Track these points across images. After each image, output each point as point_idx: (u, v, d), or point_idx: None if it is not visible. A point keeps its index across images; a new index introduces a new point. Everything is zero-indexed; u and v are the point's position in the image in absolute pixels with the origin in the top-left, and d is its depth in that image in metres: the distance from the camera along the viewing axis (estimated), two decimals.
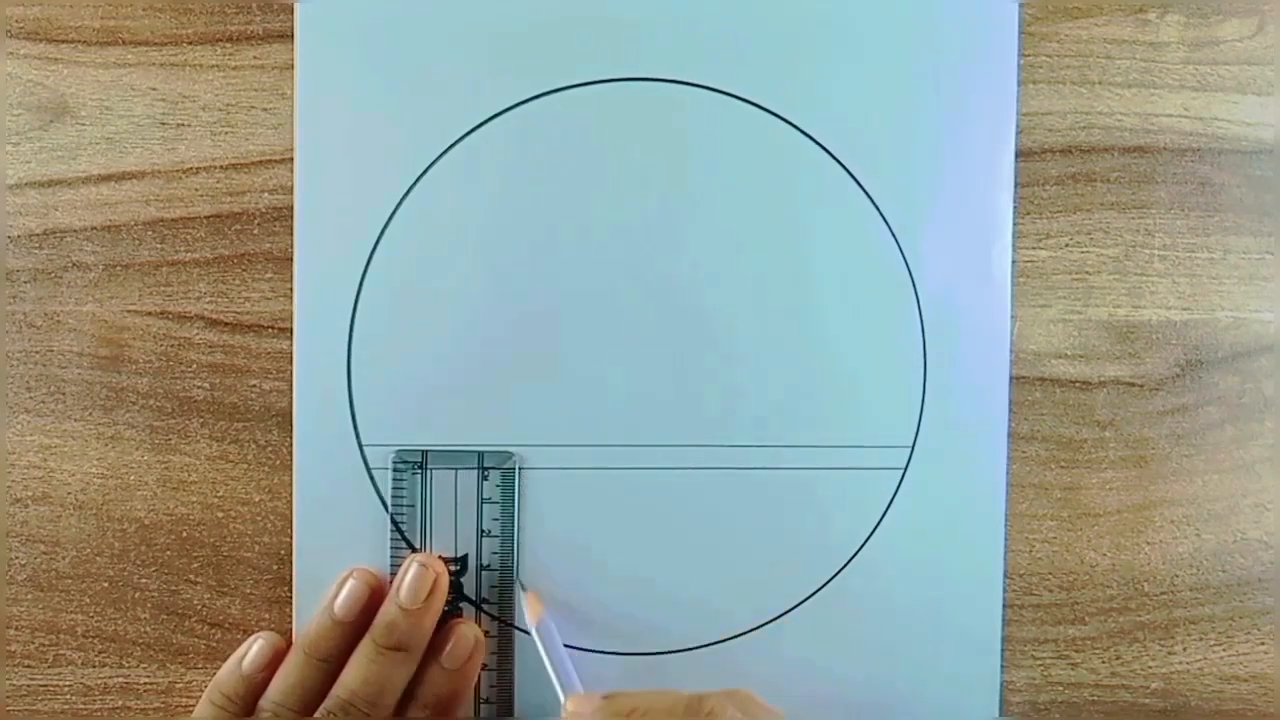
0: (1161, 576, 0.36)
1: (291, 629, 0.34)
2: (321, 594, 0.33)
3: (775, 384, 0.35)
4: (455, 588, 0.34)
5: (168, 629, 0.35)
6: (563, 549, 0.35)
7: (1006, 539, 0.35)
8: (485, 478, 0.34)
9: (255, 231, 0.35)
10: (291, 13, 0.34)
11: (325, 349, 0.34)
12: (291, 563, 0.34)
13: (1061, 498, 0.36)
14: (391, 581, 0.33)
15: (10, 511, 0.35)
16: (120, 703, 0.35)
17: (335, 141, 0.34)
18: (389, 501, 0.34)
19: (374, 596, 0.33)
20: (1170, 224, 0.36)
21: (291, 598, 0.34)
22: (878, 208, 0.35)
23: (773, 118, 0.35)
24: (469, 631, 0.33)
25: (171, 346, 0.35)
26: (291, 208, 0.34)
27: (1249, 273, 0.36)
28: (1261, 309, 0.36)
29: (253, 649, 0.33)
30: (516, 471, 0.35)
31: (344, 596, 0.33)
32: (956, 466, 0.35)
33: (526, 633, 0.34)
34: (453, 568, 0.34)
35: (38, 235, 0.35)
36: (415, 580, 0.33)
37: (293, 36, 0.34)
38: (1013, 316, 0.36)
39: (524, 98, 0.34)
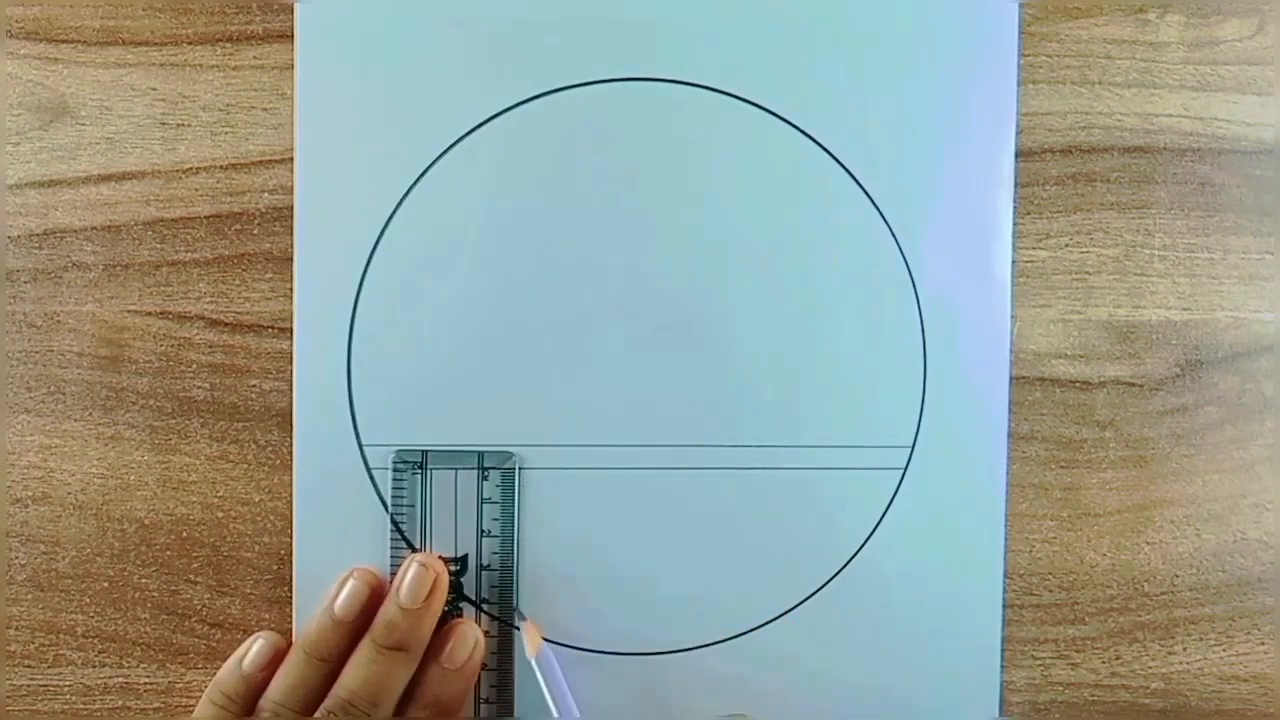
0: (1161, 576, 0.36)
1: (291, 629, 0.34)
2: (321, 594, 0.33)
3: (775, 384, 0.35)
4: (455, 588, 0.34)
5: (168, 629, 0.35)
6: (563, 549, 0.35)
7: (1006, 539, 0.35)
8: (485, 478, 0.34)
9: (255, 231, 0.35)
10: (291, 13, 0.34)
11: (325, 349, 0.34)
12: (291, 563, 0.34)
13: (1061, 498, 0.36)
14: (391, 581, 0.33)
15: (10, 511, 0.35)
16: (120, 703, 0.35)
17: (335, 141, 0.34)
18: (389, 501, 0.34)
19: (374, 596, 0.33)
20: (1170, 224, 0.36)
21: (291, 598, 0.34)
22: (878, 208, 0.35)
23: (773, 118, 0.35)
24: (469, 631, 0.33)
25: (171, 346, 0.35)
26: (291, 208, 0.34)
27: (1249, 273, 0.36)
28: (1261, 309, 0.36)
29: (253, 649, 0.33)
30: (516, 471, 0.35)
31: (344, 596, 0.33)
32: (956, 466, 0.35)
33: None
34: (453, 568, 0.34)
35: (38, 235, 0.35)
36: (415, 580, 0.33)
37: (293, 36, 0.34)
38: (1013, 316, 0.36)
39: (524, 98, 0.34)
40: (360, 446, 0.34)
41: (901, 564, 0.35)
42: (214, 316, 0.35)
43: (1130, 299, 0.36)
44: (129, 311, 0.35)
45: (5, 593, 0.35)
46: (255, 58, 0.35)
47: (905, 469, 0.35)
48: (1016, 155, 0.35)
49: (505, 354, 0.34)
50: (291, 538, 0.34)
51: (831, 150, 0.35)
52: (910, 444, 0.35)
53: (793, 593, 0.35)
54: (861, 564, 0.35)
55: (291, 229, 0.34)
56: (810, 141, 0.35)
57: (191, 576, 0.35)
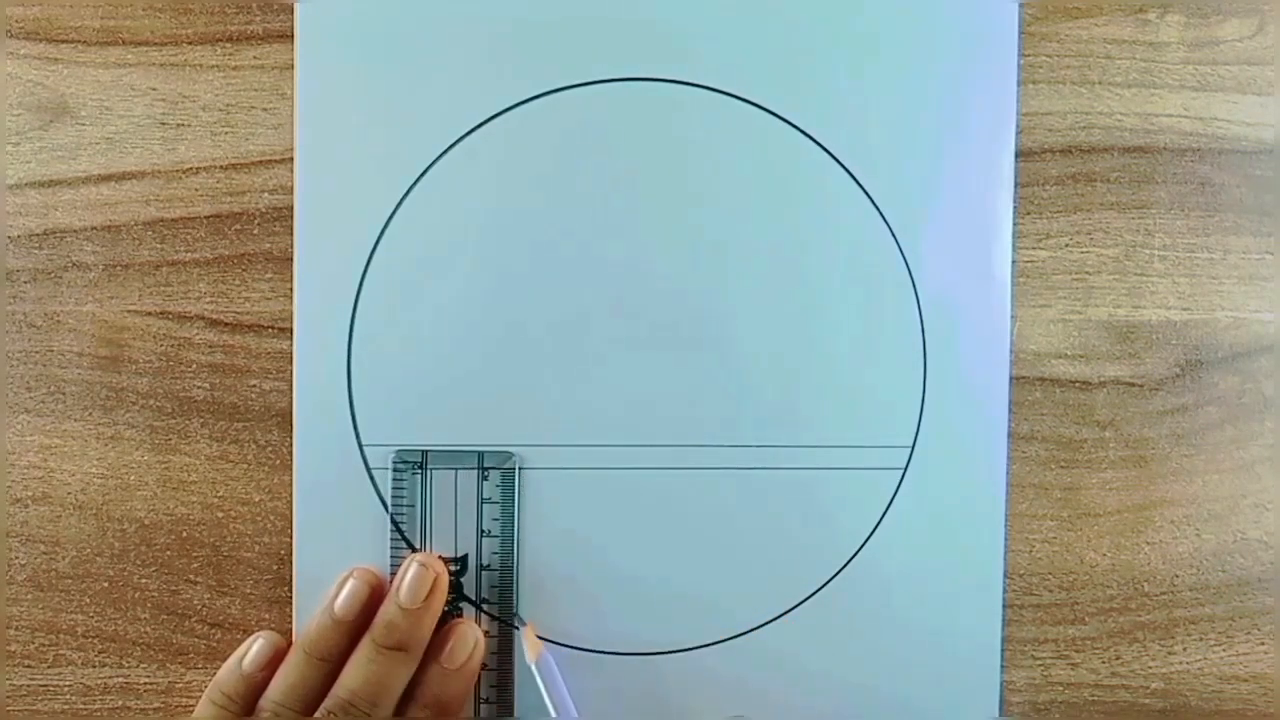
0: (1161, 576, 0.36)
1: (291, 629, 0.34)
2: (321, 594, 0.33)
3: (775, 384, 0.35)
4: (455, 588, 0.34)
5: (168, 629, 0.35)
6: (563, 549, 0.35)
7: (1006, 539, 0.35)
8: (485, 478, 0.34)
9: (255, 231, 0.35)
10: (291, 13, 0.34)
11: (325, 349, 0.34)
12: (291, 563, 0.34)
13: (1061, 498, 0.36)
14: (391, 581, 0.33)
15: (10, 511, 0.35)
16: (120, 703, 0.35)
17: (335, 141, 0.34)
18: (389, 501, 0.34)
19: (374, 596, 0.33)
20: (1170, 224, 0.36)
21: (291, 598, 0.34)
22: (878, 208, 0.35)
23: (773, 118, 0.35)
24: (469, 631, 0.33)
25: (171, 346, 0.35)
26: (291, 208, 0.34)
27: (1249, 273, 0.36)
28: (1261, 309, 0.36)
29: (253, 649, 0.33)
30: (516, 471, 0.35)
31: (344, 596, 0.33)
32: (956, 466, 0.35)
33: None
34: (453, 568, 0.34)
35: (38, 235, 0.35)
36: (415, 580, 0.33)
37: (293, 36, 0.34)
38: (1013, 316, 0.36)
39: (524, 98, 0.34)
40: (360, 446, 0.34)
41: (901, 564, 0.35)
42: (214, 316, 0.35)
43: (1130, 299, 0.36)
44: (129, 311, 0.35)
45: (5, 593, 0.35)
46: (255, 58, 0.35)
47: (905, 469, 0.35)
48: (1016, 155, 0.35)
49: (505, 354, 0.34)
50: (291, 538, 0.34)
51: (831, 150, 0.35)
52: (910, 444, 0.35)
53: (793, 593, 0.35)
54: (861, 564, 0.35)
55: (291, 229, 0.34)
56: (810, 141, 0.35)
57: (191, 576, 0.35)
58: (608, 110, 0.35)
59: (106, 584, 0.35)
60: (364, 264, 0.34)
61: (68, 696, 0.35)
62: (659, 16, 0.35)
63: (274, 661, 0.32)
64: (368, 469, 0.34)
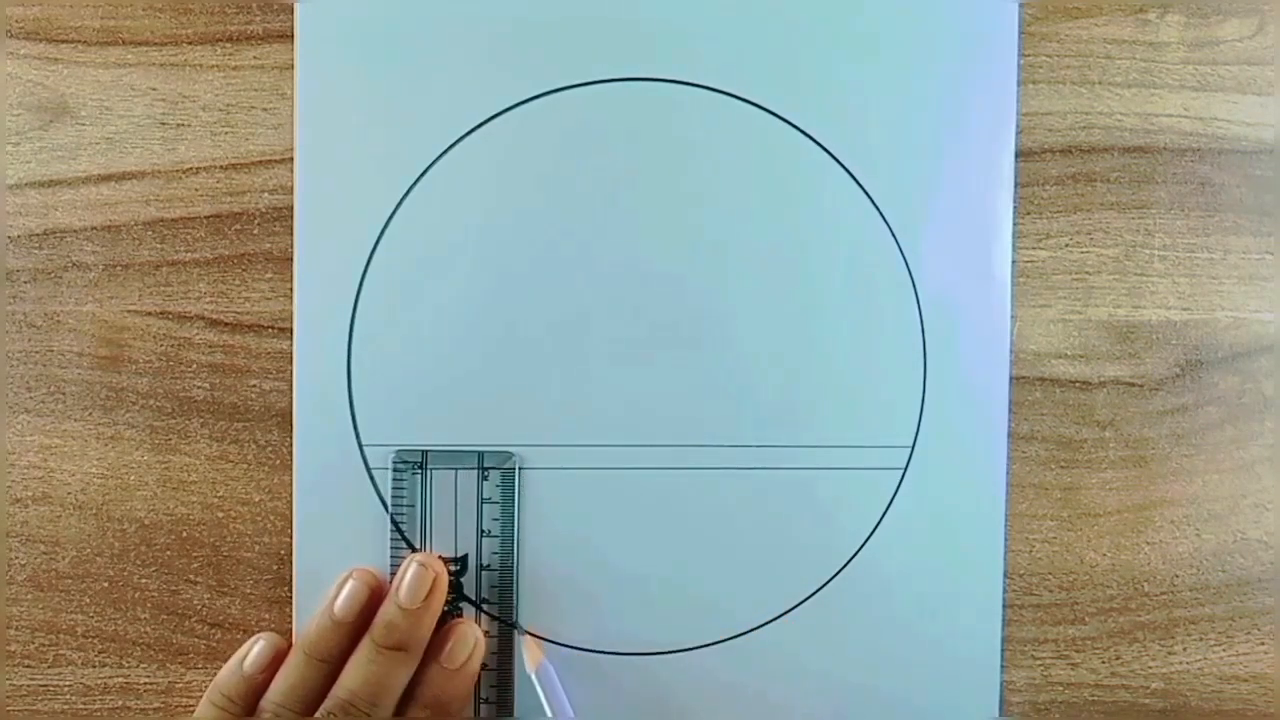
0: (1161, 576, 0.36)
1: (291, 629, 0.34)
2: (321, 594, 0.33)
3: (775, 384, 0.35)
4: (455, 588, 0.34)
5: (168, 629, 0.35)
6: (563, 549, 0.35)
7: (1006, 539, 0.35)
8: (485, 478, 0.34)
9: (255, 231, 0.35)
10: (291, 13, 0.34)
11: (325, 349, 0.34)
12: (291, 563, 0.34)
13: (1061, 498, 0.36)
14: (391, 581, 0.33)
15: (10, 511, 0.35)
16: (120, 703, 0.35)
17: (335, 141, 0.34)
18: (389, 501, 0.34)
19: (374, 597, 0.33)
20: (1170, 224, 0.36)
21: (291, 598, 0.34)
22: (878, 208, 0.35)
23: (773, 118, 0.35)
24: (469, 632, 0.33)
25: (171, 346, 0.35)
26: (291, 208, 0.34)
27: (1249, 273, 0.36)
28: (1261, 309, 0.36)
29: (254, 650, 0.33)
30: (516, 471, 0.35)
31: (344, 597, 0.33)
32: (956, 466, 0.35)
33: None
34: (453, 568, 0.34)
35: (38, 235, 0.35)
36: (415, 580, 0.33)
37: (293, 36, 0.34)
38: (1013, 316, 0.36)
39: (524, 98, 0.34)
40: (360, 446, 0.34)
41: (901, 564, 0.35)
42: (214, 316, 0.35)
43: (1130, 299, 0.36)
44: (129, 311, 0.35)
45: (5, 593, 0.35)
46: (255, 58, 0.35)
47: (905, 469, 0.35)
48: (1016, 155, 0.35)
49: (505, 354, 0.34)
50: (291, 538, 0.34)
51: (831, 150, 0.35)
52: (910, 444, 0.35)
53: (793, 593, 0.35)
54: (861, 564, 0.35)
55: (291, 229, 0.34)
56: (810, 141, 0.35)
57: (191, 576, 0.35)
58: (608, 110, 0.35)
59: (106, 584, 0.35)
60: (364, 264, 0.34)
61: (68, 696, 0.35)
62: (659, 16, 0.35)
63: (275, 663, 0.32)
64: (368, 469, 0.34)
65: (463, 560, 0.34)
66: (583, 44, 0.34)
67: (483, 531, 0.34)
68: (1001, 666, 0.35)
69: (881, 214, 0.35)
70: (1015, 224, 0.35)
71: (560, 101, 0.34)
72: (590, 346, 0.35)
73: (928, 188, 0.35)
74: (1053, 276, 0.36)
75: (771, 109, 0.35)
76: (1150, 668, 0.36)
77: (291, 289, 0.34)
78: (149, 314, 0.35)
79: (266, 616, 0.35)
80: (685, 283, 0.35)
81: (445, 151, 0.34)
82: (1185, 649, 0.36)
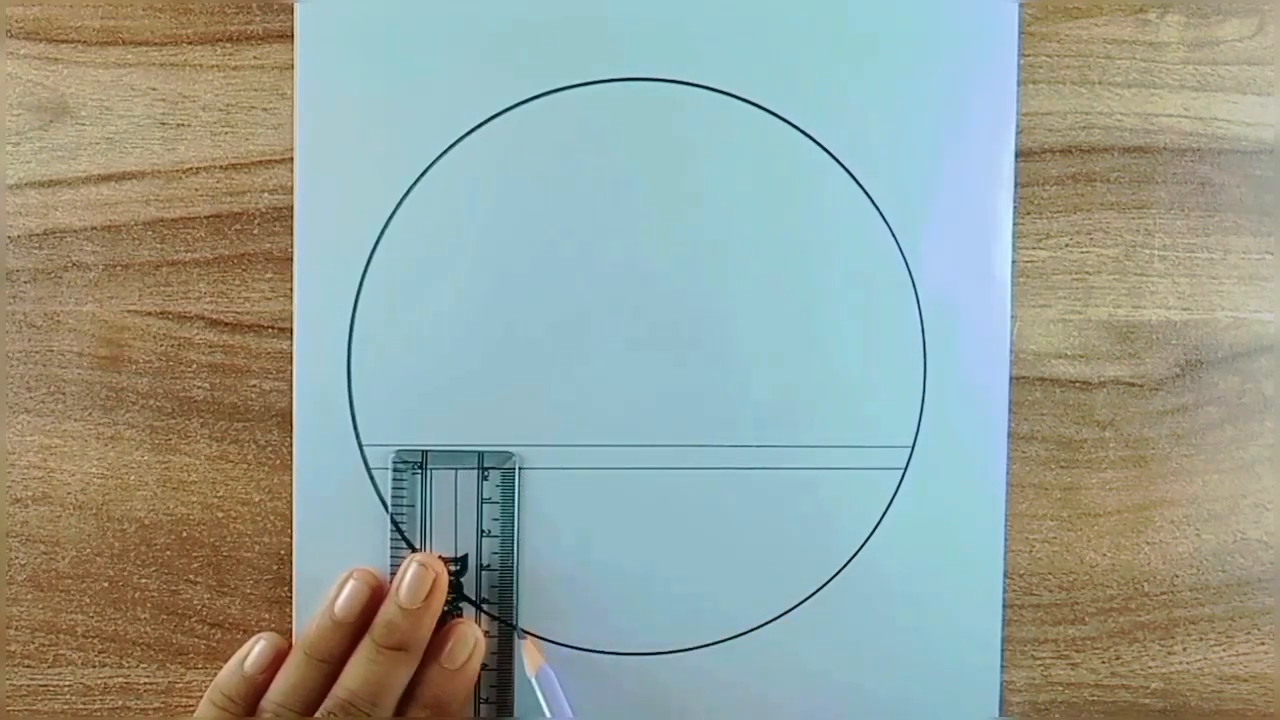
0: (1161, 576, 0.36)
1: (292, 629, 0.34)
2: (321, 594, 0.33)
3: (775, 384, 0.35)
4: (455, 588, 0.34)
5: (168, 629, 0.35)
6: (563, 549, 0.35)
7: (1006, 539, 0.35)
8: (485, 478, 0.34)
9: (255, 231, 0.35)
10: (291, 13, 0.34)
11: (325, 349, 0.34)
12: (291, 563, 0.34)
13: (1061, 498, 0.36)
14: (391, 582, 0.33)
15: (10, 511, 0.35)
16: (120, 703, 0.35)
17: (335, 141, 0.34)
18: (389, 501, 0.34)
19: (374, 597, 0.33)
20: (1170, 224, 0.36)
21: (291, 598, 0.34)
22: (878, 208, 0.35)
23: (773, 118, 0.35)
24: (469, 631, 0.33)
25: (171, 346, 0.35)
26: (291, 208, 0.34)
27: (1249, 273, 0.36)
28: (1261, 309, 0.36)
29: (255, 650, 0.33)
30: (516, 471, 0.35)
31: (345, 597, 0.33)
32: (956, 466, 0.35)
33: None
34: (453, 568, 0.34)
35: (38, 235, 0.35)
36: (415, 580, 0.33)
37: (293, 36, 0.34)
38: (1013, 316, 0.36)
39: (524, 98, 0.34)
40: (360, 446, 0.34)
41: (901, 564, 0.35)
42: (214, 316, 0.35)
43: (1130, 299, 0.36)
44: (129, 311, 0.35)
45: (5, 593, 0.35)
46: (255, 58, 0.35)
47: (905, 469, 0.35)
48: (1016, 155, 0.35)
49: (505, 354, 0.34)
50: (291, 538, 0.34)
51: (831, 150, 0.35)
52: (910, 444, 0.35)
53: (793, 593, 0.35)
54: (861, 564, 0.35)
55: (291, 229, 0.34)
56: (810, 141, 0.35)
57: (191, 576, 0.35)
58: (608, 110, 0.35)
59: (106, 584, 0.35)
60: (364, 264, 0.34)
61: (68, 696, 0.35)
62: (659, 16, 0.35)
63: (275, 663, 0.32)
64: (368, 469, 0.34)
65: (463, 560, 0.34)
66: (583, 44, 0.34)
67: (483, 531, 0.34)
68: (1001, 666, 0.35)
69: (881, 214, 0.35)
70: (1015, 224, 0.35)
71: (560, 101, 0.34)
72: (590, 346, 0.35)
73: (928, 188, 0.35)
74: (1053, 276, 0.36)
75: (771, 109, 0.35)
76: (1150, 668, 0.36)
77: (291, 289, 0.34)
78: (149, 314, 0.35)
79: (266, 616, 0.35)
80: (685, 282, 0.35)
81: (445, 151, 0.34)
82: (1185, 649, 0.36)
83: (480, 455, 0.34)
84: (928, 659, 0.35)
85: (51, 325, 0.35)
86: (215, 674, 0.33)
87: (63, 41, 0.34)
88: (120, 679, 0.35)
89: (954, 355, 0.35)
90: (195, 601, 0.35)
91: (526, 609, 0.35)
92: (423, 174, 0.34)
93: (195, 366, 0.35)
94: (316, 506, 0.34)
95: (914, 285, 0.35)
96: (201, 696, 0.33)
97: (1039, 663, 0.36)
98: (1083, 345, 0.36)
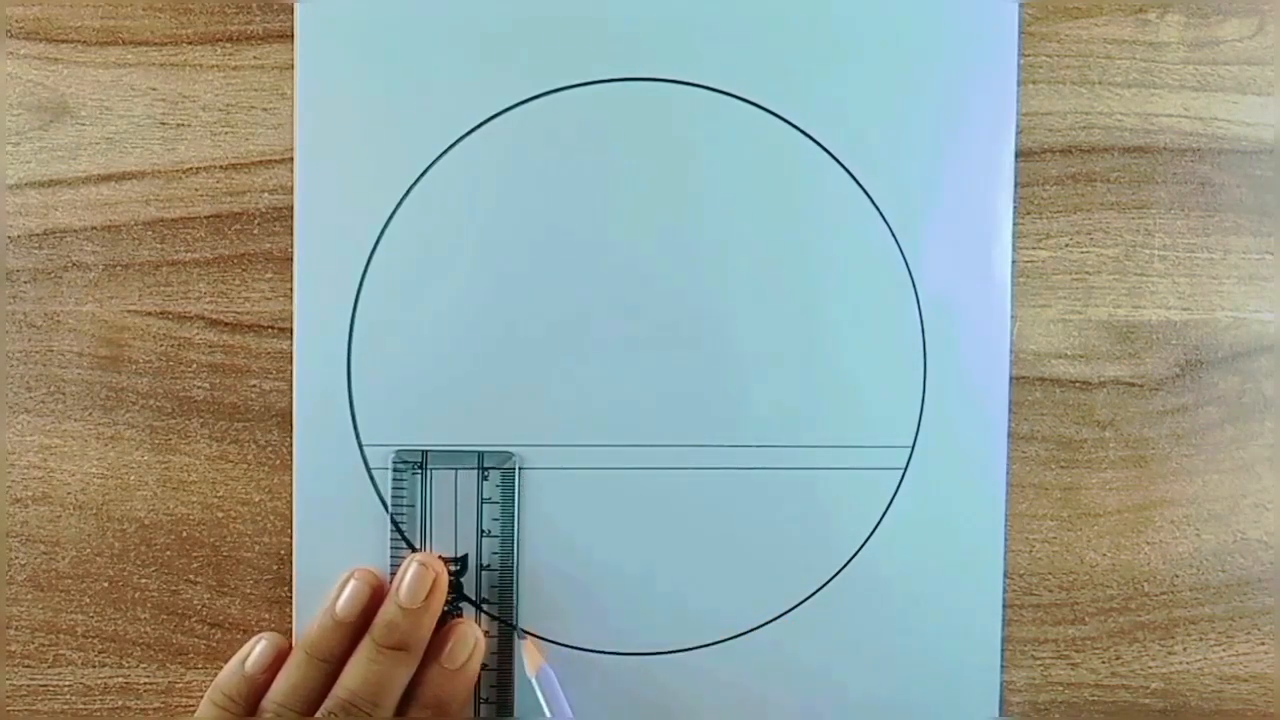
0: (1161, 576, 0.36)
1: (292, 629, 0.34)
2: (321, 594, 0.33)
3: (775, 384, 0.35)
4: (455, 588, 0.34)
5: (168, 629, 0.35)
6: (563, 549, 0.35)
7: (1006, 539, 0.35)
8: (485, 478, 0.34)
9: (255, 231, 0.35)
10: (291, 13, 0.34)
11: (325, 349, 0.34)
12: (291, 563, 0.34)
13: (1061, 498, 0.36)
14: (392, 582, 0.33)
15: (10, 511, 0.35)
16: (120, 703, 0.35)
17: (335, 141, 0.34)
18: (389, 501, 0.34)
19: (375, 597, 0.33)
20: (1170, 224, 0.36)
21: (291, 598, 0.34)
22: (878, 208, 0.35)
23: (773, 118, 0.35)
24: (469, 631, 0.33)
25: (171, 346, 0.35)
26: (291, 208, 0.34)
27: (1249, 273, 0.36)
28: (1261, 309, 0.36)
29: (256, 650, 0.33)
30: (516, 471, 0.35)
31: (346, 597, 0.33)
32: (956, 466, 0.35)
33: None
34: (453, 568, 0.34)
35: (38, 235, 0.35)
36: (415, 580, 0.33)
37: (293, 36, 0.34)
38: (1013, 316, 0.36)
39: (524, 98, 0.34)
40: (360, 446, 0.34)
41: (901, 564, 0.35)
42: (214, 316, 0.35)
43: (1130, 299, 0.36)
44: (129, 311, 0.35)
45: (5, 593, 0.35)
46: (255, 58, 0.35)
47: (905, 469, 0.35)
48: (1016, 155, 0.35)
49: (505, 354, 0.34)
50: (291, 538, 0.34)
51: (831, 150, 0.35)
52: (910, 444, 0.35)
53: (793, 593, 0.35)
54: (861, 564, 0.35)
55: (291, 229, 0.34)
56: (810, 141, 0.35)
57: (191, 576, 0.35)
58: (608, 110, 0.35)
59: (106, 584, 0.35)
60: (364, 264, 0.34)
61: (68, 696, 0.35)
62: (659, 16, 0.35)
63: (276, 663, 0.32)
64: (368, 469, 0.34)
65: (463, 560, 0.34)
66: (583, 44, 0.34)
67: (483, 531, 0.34)
68: (1001, 666, 0.35)
69: (881, 214, 0.35)
70: (1015, 224, 0.35)
71: (560, 101, 0.34)
72: (590, 346, 0.35)
73: (928, 188, 0.35)
74: (1053, 276, 0.36)
75: (771, 109, 0.35)
76: (1150, 668, 0.36)
77: (291, 289, 0.34)
78: (149, 314, 0.35)
79: (266, 616, 0.35)
80: (685, 282, 0.35)
81: (445, 151, 0.34)
82: (1185, 649, 0.36)
83: (480, 455, 0.34)
84: (928, 659, 0.35)
85: (51, 325, 0.35)
86: (215, 674, 0.33)
87: (63, 41, 0.34)
88: (120, 679, 0.35)
89: (954, 355, 0.35)
90: (195, 601, 0.35)
91: (526, 609, 0.35)
92: (423, 174, 0.34)
93: (195, 366, 0.35)
94: (316, 506, 0.34)
95: (914, 285, 0.35)
96: (201, 696, 0.33)
97: (1039, 663, 0.36)
98: (1083, 345, 0.36)
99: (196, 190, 0.35)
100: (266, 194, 0.35)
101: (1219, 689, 0.36)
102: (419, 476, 0.34)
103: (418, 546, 0.34)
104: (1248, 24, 0.36)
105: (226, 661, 0.33)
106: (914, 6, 0.35)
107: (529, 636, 0.34)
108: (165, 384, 0.35)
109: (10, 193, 0.35)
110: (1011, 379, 0.36)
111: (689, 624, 0.35)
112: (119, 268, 0.35)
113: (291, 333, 0.34)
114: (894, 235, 0.35)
